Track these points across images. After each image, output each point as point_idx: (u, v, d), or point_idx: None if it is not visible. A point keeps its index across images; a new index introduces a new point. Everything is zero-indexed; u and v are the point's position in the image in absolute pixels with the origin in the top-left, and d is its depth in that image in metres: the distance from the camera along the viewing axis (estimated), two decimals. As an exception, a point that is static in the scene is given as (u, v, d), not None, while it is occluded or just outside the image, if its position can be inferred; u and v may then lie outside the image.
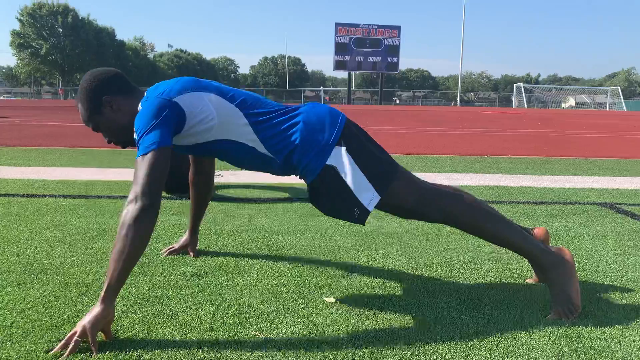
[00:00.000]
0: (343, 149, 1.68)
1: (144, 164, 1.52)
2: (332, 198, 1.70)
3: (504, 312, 1.71)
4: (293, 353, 1.42)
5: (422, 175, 4.61)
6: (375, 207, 1.71)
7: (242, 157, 1.77)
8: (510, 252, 2.09)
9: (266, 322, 1.61)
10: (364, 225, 1.71)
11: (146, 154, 1.54)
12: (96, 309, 1.43)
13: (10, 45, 56.11)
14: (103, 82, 1.71)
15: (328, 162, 1.68)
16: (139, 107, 1.69)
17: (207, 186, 2.21)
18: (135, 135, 1.62)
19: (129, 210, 1.47)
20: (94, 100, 1.70)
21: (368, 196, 1.67)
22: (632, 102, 53.73)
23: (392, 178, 1.70)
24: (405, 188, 1.72)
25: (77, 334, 1.39)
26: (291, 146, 1.70)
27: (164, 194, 3.46)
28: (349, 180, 1.66)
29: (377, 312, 1.70)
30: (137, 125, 1.61)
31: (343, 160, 1.67)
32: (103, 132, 1.79)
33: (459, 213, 1.72)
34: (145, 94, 1.73)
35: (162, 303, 1.73)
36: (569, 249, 2.41)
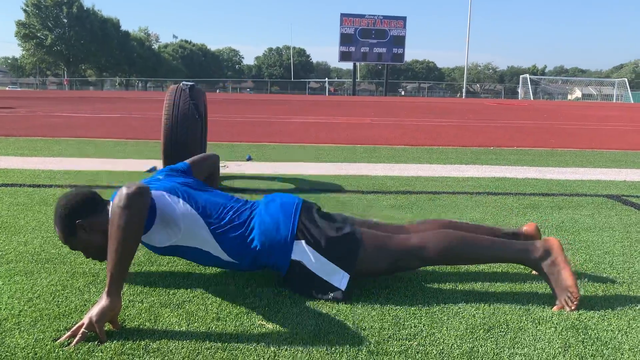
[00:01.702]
0: (302, 242, 1.74)
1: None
2: (307, 286, 1.74)
3: (510, 303, 1.71)
4: (299, 343, 1.43)
5: (427, 167, 4.62)
6: (352, 279, 1.74)
7: (209, 262, 1.81)
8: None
9: (272, 312, 1.61)
10: (347, 302, 1.70)
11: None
12: (102, 301, 1.44)
13: (16, 36, 56.21)
14: (74, 208, 1.73)
15: (293, 257, 1.74)
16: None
17: (212, 179, 2.23)
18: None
19: (121, 193, 1.51)
20: (68, 225, 1.73)
21: (338, 278, 1.72)
22: (639, 93, 53.34)
23: (356, 253, 1.74)
24: (372, 256, 1.76)
25: (84, 326, 1.40)
26: (253, 252, 1.75)
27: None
28: (315, 269, 1.72)
29: (383, 302, 1.70)
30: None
31: (306, 253, 1.73)
32: (81, 251, 1.81)
33: (436, 255, 1.77)
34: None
35: (168, 292, 1.74)
36: (575, 241, 2.41)
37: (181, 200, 1.74)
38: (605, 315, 1.63)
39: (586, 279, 1.94)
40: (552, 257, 1.74)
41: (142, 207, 1.53)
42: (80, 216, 1.72)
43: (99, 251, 1.76)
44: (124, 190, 1.51)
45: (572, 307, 1.67)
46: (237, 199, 1.90)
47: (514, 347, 1.43)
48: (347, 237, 1.76)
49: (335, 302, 1.69)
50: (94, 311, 1.43)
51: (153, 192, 1.70)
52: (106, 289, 1.46)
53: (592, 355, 1.40)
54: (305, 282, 1.73)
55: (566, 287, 1.69)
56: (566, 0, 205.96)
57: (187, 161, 2.09)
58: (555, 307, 1.68)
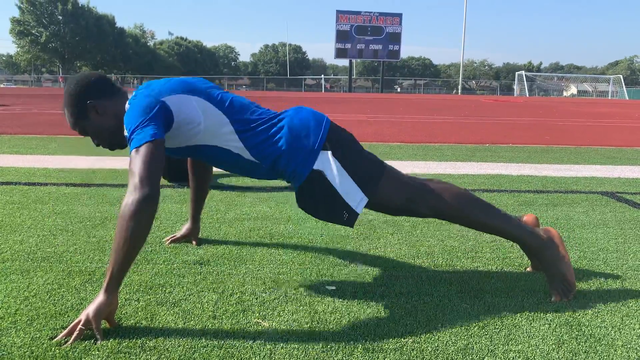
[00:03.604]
0: (329, 152, 1.70)
1: (139, 156, 1.50)
2: (321, 202, 1.71)
3: (504, 300, 1.72)
4: (295, 340, 1.43)
5: (422, 164, 4.62)
6: (364, 207, 1.73)
7: (228, 163, 1.77)
8: (511, 241, 2.11)
9: (268, 310, 1.62)
10: (352, 227, 1.71)
11: (140, 146, 1.52)
12: (99, 298, 1.44)
13: (10, 33, 55.86)
14: (86, 87, 1.70)
15: (315, 167, 1.69)
16: (127, 105, 1.68)
17: (205, 174, 2.21)
18: (125, 133, 1.61)
19: (129, 201, 1.45)
20: (79, 105, 1.69)
21: (356, 198, 1.69)
22: (634, 90, 53.49)
23: (379, 179, 1.72)
24: (393, 188, 1.73)
25: (81, 323, 1.41)
26: (277, 153, 1.70)
27: (166, 182, 3.46)
28: (336, 183, 1.68)
29: (379, 300, 1.71)
30: (127, 121, 1.60)
31: (330, 164, 1.69)
32: (91, 136, 1.78)
33: (447, 206, 1.74)
34: (134, 93, 1.72)
35: (164, 291, 1.74)
36: (570, 238, 2.42)
37: (202, 99, 1.69)
38: (599, 312, 1.64)
39: (580, 276, 1.96)
40: (554, 246, 1.75)
41: (152, 213, 1.48)
42: (92, 96, 1.68)
43: (111, 136, 1.73)
44: (137, 193, 1.45)
45: (569, 298, 1.70)
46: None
47: (508, 344, 1.44)
48: (374, 160, 1.75)
49: (345, 225, 1.68)
50: (90, 308, 1.43)
51: (171, 96, 1.65)
52: (104, 286, 1.45)
53: (585, 352, 1.41)
54: (321, 196, 1.69)
55: (564, 277, 1.72)
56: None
57: None
58: (553, 298, 1.71)
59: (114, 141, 1.77)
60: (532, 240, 1.76)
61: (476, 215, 1.76)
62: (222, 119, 1.70)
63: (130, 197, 1.46)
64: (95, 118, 1.71)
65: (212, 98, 1.73)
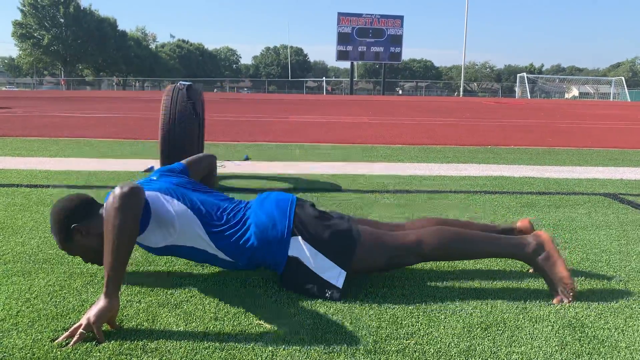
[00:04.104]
0: (299, 237, 1.74)
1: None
2: (304, 284, 1.74)
3: (507, 302, 1.72)
4: (297, 343, 1.43)
5: (424, 166, 4.62)
6: (349, 275, 1.74)
7: (206, 261, 1.81)
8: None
9: (270, 312, 1.62)
10: (341, 301, 1.70)
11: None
12: (100, 302, 1.44)
13: (12, 36, 56.02)
14: (70, 213, 1.73)
15: (290, 254, 1.74)
16: None
17: (209, 178, 2.24)
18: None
19: (110, 200, 1.51)
20: (65, 230, 1.73)
21: (334, 275, 1.72)
22: (635, 92, 53.38)
23: (353, 249, 1.75)
24: (369, 253, 1.77)
25: (82, 327, 1.41)
26: (250, 251, 1.74)
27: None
28: (312, 265, 1.73)
29: (381, 302, 1.71)
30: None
31: (302, 249, 1.73)
32: (80, 256, 1.81)
33: (430, 250, 1.78)
34: None
35: (166, 292, 1.74)
36: (572, 239, 2.41)
37: (176, 200, 1.74)
38: (602, 314, 1.64)
39: (583, 277, 1.95)
40: (545, 250, 1.77)
41: (136, 207, 1.53)
42: (76, 220, 1.72)
43: (98, 255, 1.75)
44: (117, 191, 1.51)
45: (570, 299, 1.70)
46: (231, 199, 1.91)
47: (511, 346, 1.44)
48: (344, 233, 1.77)
49: (332, 302, 1.69)
50: (92, 312, 1.43)
51: (147, 192, 1.69)
52: (104, 290, 1.46)
53: (588, 353, 1.40)
54: (302, 279, 1.73)
55: (561, 279, 1.72)
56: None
57: (183, 162, 2.09)
58: (555, 300, 1.71)
59: (101, 258, 1.79)
60: (520, 252, 1.80)
61: (461, 248, 1.82)
62: (194, 221, 1.73)
63: (115, 191, 1.52)
64: (80, 240, 1.74)
65: (186, 196, 1.77)
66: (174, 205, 1.73)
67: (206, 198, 1.82)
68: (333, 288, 1.71)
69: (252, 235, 1.74)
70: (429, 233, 1.80)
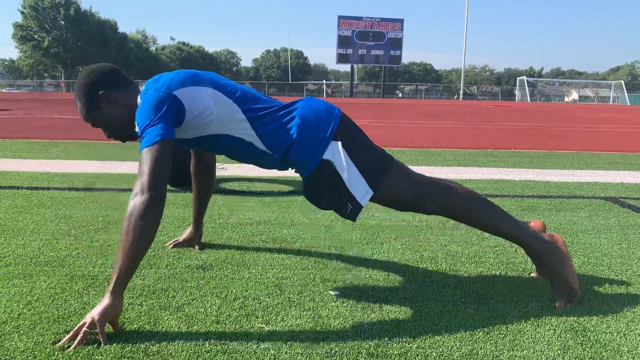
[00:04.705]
0: (339, 143, 1.70)
1: (148, 156, 1.53)
2: (326, 191, 1.72)
3: (509, 306, 1.72)
4: (299, 346, 1.43)
5: (425, 169, 4.62)
6: (370, 201, 1.73)
7: (240, 152, 1.78)
8: (515, 245, 2.11)
9: (272, 315, 1.62)
10: (355, 221, 1.71)
11: (150, 146, 1.54)
12: (105, 300, 1.44)
13: (13, 38, 56.04)
14: (99, 78, 1.71)
15: (324, 157, 1.69)
16: (139, 100, 1.69)
17: (208, 178, 2.22)
18: (137, 129, 1.62)
19: (136, 202, 1.47)
20: (91, 96, 1.70)
21: (362, 191, 1.69)
22: (635, 95, 53.46)
23: (386, 173, 1.72)
24: (399, 183, 1.74)
25: (86, 325, 1.40)
26: (288, 142, 1.71)
27: (168, 187, 3.46)
28: (344, 174, 1.68)
29: (383, 305, 1.71)
30: (138, 118, 1.61)
31: (339, 155, 1.69)
32: (102, 128, 1.79)
33: (454, 205, 1.75)
34: (144, 86, 1.73)
35: (168, 295, 1.74)
36: (573, 243, 2.41)
37: (212, 89, 1.70)
38: (604, 318, 1.63)
39: (585, 281, 1.95)
40: (558, 251, 1.75)
41: (158, 216, 1.50)
42: (105, 87, 1.69)
43: (122, 126, 1.74)
44: (144, 196, 1.47)
45: (573, 303, 1.70)
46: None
47: (513, 349, 1.43)
48: (382, 154, 1.75)
49: (348, 219, 1.69)
50: (95, 310, 1.42)
51: (182, 89, 1.65)
52: (110, 288, 1.45)
53: (591, 358, 1.40)
54: (327, 187, 1.70)
55: (567, 283, 1.71)
56: (562, 2, 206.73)
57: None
58: (557, 304, 1.70)
59: (125, 132, 1.78)
60: (536, 244, 1.76)
61: (482, 215, 1.76)
62: (234, 108, 1.71)
63: (137, 198, 1.48)
64: (107, 108, 1.72)
65: (223, 88, 1.74)
66: (210, 94, 1.69)
67: (248, 89, 1.79)
68: (355, 204, 1.68)
69: (294, 125, 1.70)
70: (458, 188, 1.77)
